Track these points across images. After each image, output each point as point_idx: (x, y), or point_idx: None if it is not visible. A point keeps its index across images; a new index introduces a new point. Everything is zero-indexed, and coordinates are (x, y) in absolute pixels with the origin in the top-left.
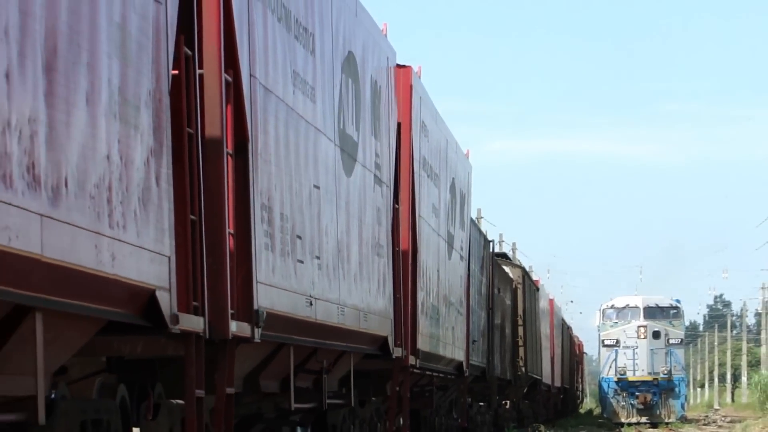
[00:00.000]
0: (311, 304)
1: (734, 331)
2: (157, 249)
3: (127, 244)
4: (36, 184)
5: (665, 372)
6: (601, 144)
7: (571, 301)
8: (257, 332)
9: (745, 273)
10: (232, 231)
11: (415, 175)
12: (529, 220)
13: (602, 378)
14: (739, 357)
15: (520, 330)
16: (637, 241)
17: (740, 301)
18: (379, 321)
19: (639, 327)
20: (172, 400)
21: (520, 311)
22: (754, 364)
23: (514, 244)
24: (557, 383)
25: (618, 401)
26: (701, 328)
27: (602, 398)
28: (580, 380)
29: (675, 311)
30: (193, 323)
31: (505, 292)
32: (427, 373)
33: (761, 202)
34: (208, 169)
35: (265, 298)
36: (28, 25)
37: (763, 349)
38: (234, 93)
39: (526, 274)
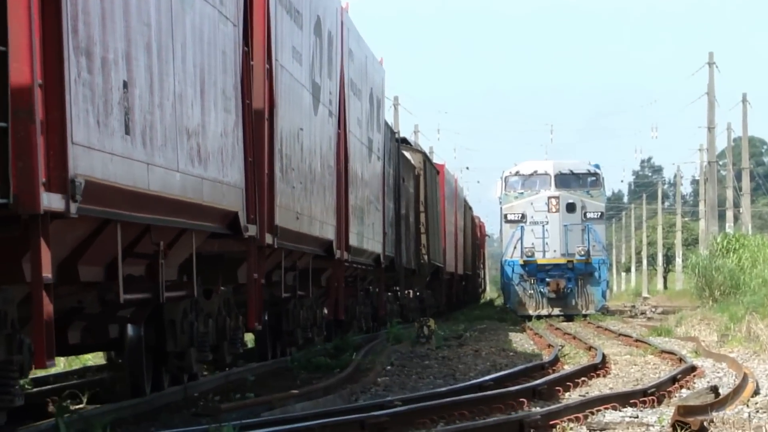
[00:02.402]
0: (297, 218)
1: (666, 203)
2: (239, 184)
3: (228, 185)
4: (200, 160)
5: (582, 253)
6: None
7: (467, 168)
8: (276, 241)
9: (677, 132)
10: (266, 171)
11: (345, 98)
12: (416, 73)
13: (505, 261)
14: (672, 234)
15: (422, 217)
16: (548, 97)
17: (673, 165)
18: (328, 228)
19: (550, 198)
20: (221, 287)
21: (422, 198)
22: (691, 243)
23: (396, 98)
24: (460, 270)
25: (524, 289)
26: (626, 199)
27: (505, 285)
28: (481, 266)
29: (593, 179)
30: (252, 231)
31: (408, 180)
32: (354, 265)
33: (696, 49)
34: (256, 127)
35: (280, 218)
36: (197, 73)
37: (701, 224)
38: (269, 75)
39: (426, 159)
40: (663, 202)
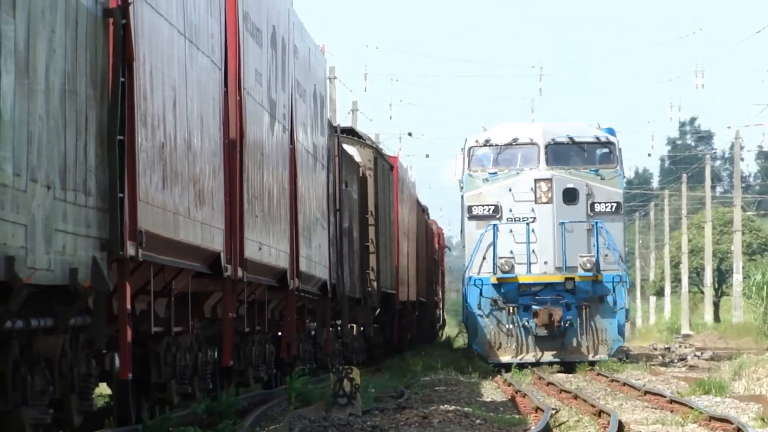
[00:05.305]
0: (260, 249)
1: (719, 188)
2: (221, 225)
3: (215, 228)
4: (201, 205)
5: (588, 266)
6: None
7: (409, 134)
8: (246, 275)
9: (735, 78)
10: (238, 204)
11: (294, 105)
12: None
13: (469, 279)
14: (727, 236)
15: (371, 231)
16: (533, 32)
17: (729, 129)
18: (282, 255)
19: (538, 181)
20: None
21: (371, 206)
22: (757, 250)
23: (332, 69)
24: (413, 297)
25: (498, 323)
26: (656, 182)
27: (469, 316)
28: (440, 289)
29: (605, 151)
30: (229, 271)
31: (352, 183)
32: (301, 294)
33: None
34: (231, 163)
35: (248, 250)
36: (199, 122)
37: None
38: (239, 106)
39: (379, 155)
40: (714, 188)
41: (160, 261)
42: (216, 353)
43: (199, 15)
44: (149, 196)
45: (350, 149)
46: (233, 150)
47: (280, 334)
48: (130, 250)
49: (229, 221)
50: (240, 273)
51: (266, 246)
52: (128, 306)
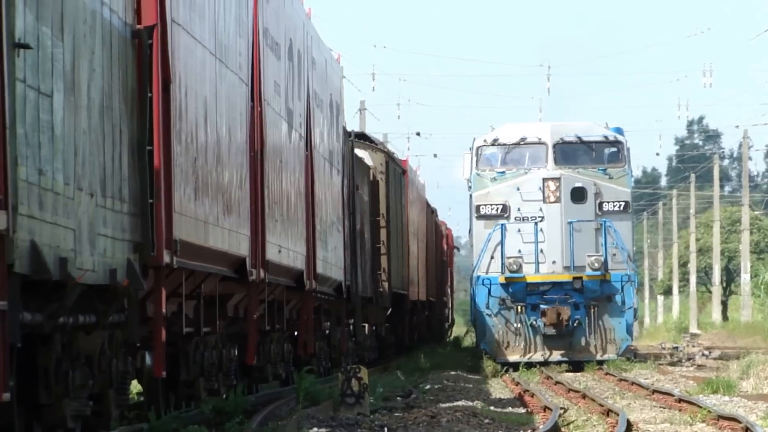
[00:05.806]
0: (280, 252)
1: (727, 188)
2: (246, 233)
3: (242, 234)
4: (228, 214)
5: (596, 265)
6: None
7: (417, 134)
8: (267, 277)
9: (743, 78)
10: (260, 210)
11: (311, 114)
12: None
13: (477, 278)
14: (735, 236)
15: (383, 233)
16: (541, 32)
17: (737, 129)
18: (299, 257)
19: (546, 180)
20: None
21: (382, 209)
22: (765, 249)
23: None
24: (422, 296)
25: (507, 322)
26: (664, 181)
27: (477, 316)
28: (449, 289)
29: (613, 150)
30: (254, 275)
31: (363, 186)
32: (318, 295)
33: None
34: (253, 177)
35: (269, 253)
36: (227, 136)
37: None
38: (260, 118)
39: (390, 159)
40: (722, 187)
41: (191, 266)
42: (236, 351)
43: (229, 35)
44: (183, 207)
45: (362, 153)
46: (255, 157)
47: (296, 333)
48: (166, 258)
49: (255, 230)
50: (262, 274)
51: (285, 248)
52: (163, 309)
